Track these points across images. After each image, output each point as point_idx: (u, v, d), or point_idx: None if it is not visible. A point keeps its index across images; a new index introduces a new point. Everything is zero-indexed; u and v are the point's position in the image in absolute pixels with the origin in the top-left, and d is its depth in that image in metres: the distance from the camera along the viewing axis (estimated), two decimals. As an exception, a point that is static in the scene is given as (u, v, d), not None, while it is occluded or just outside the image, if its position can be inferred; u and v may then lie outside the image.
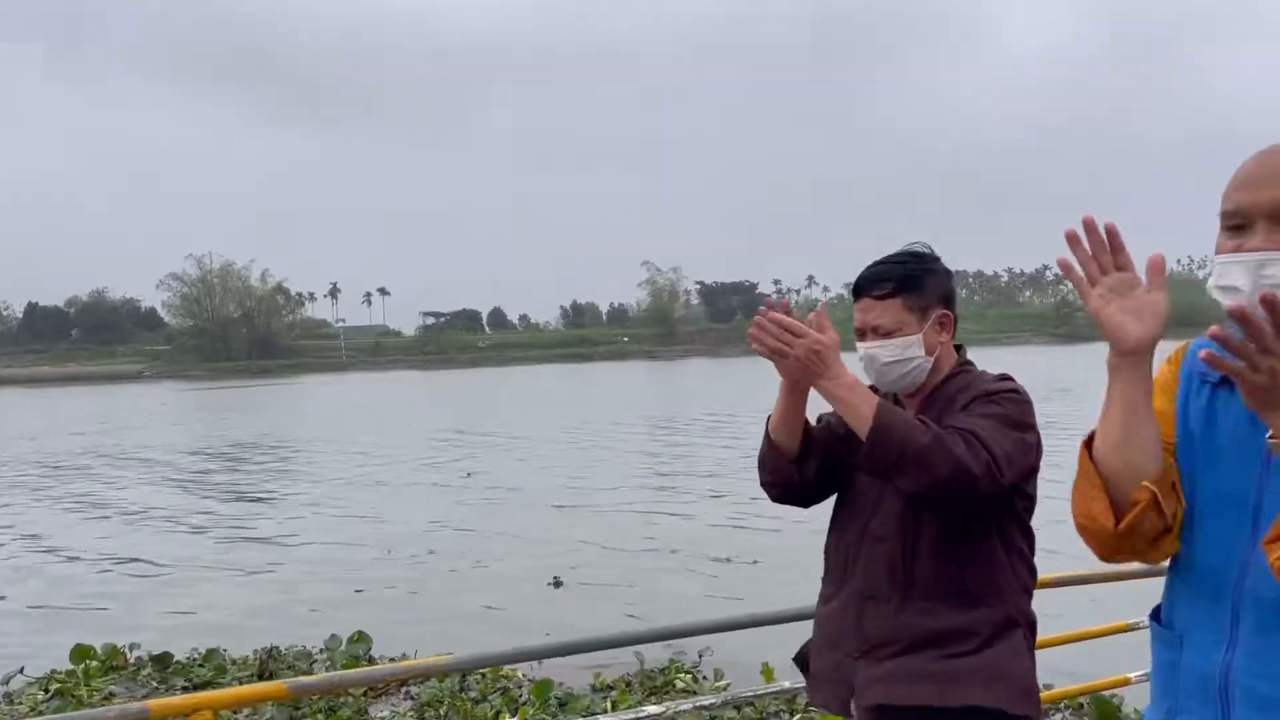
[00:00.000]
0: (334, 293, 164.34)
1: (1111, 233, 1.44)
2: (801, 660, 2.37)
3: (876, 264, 2.22)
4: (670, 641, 6.35)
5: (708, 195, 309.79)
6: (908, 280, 2.17)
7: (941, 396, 2.18)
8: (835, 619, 2.22)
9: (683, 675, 6.40)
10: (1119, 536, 1.45)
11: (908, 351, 2.17)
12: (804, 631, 2.45)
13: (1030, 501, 2.17)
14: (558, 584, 10.24)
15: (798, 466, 2.24)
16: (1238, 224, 1.41)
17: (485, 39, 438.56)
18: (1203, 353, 1.29)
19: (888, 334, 2.17)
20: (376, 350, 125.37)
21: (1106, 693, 4.64)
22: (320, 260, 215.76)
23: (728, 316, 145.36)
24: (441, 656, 3.90)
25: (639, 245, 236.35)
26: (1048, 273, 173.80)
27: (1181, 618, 1.50)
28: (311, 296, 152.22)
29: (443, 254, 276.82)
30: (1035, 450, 2.08)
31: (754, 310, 2.10)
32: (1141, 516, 1.43)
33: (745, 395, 34.84)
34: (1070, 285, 1.48)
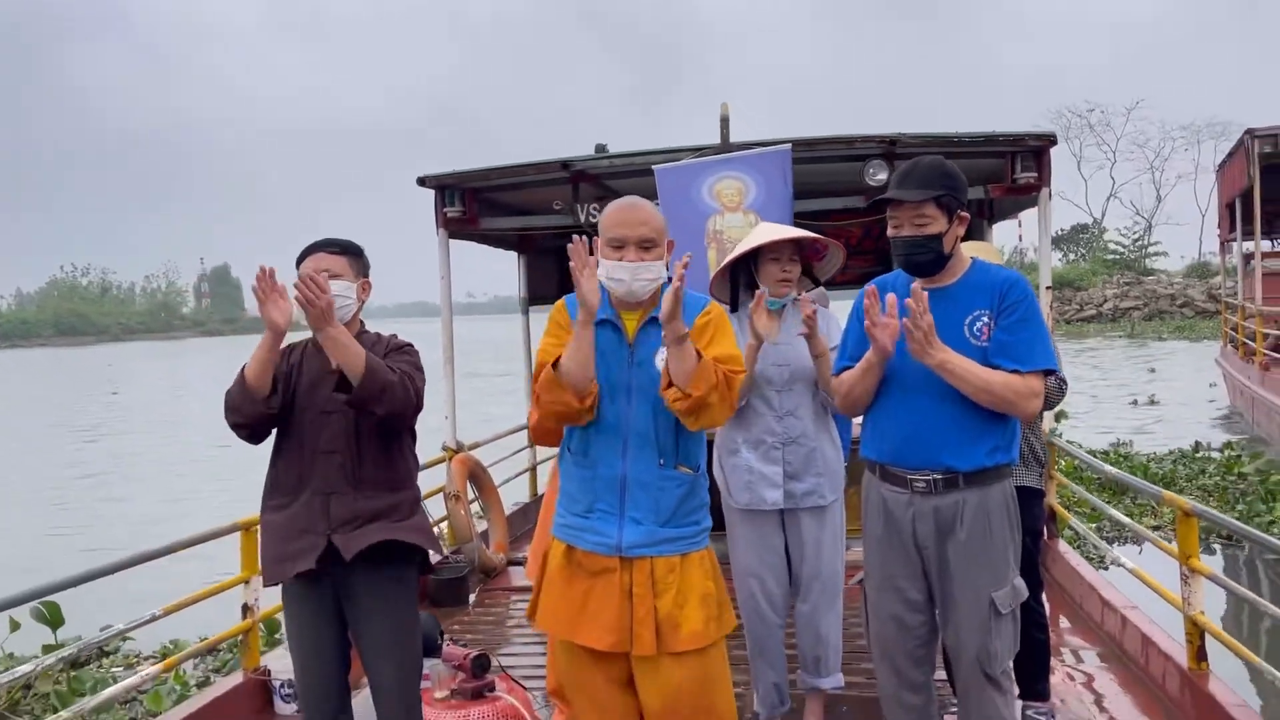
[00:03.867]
0: None
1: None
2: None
3: (329, 238, 3.11)
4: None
5: None
6: (353, 248, 3.11)
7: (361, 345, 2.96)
8: (302, 513, 2.95)
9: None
10: (582, 411, 2.64)
11: (349, 293, 3.02)
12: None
13: (416, 417, 3.10)
14: None
15: (267, 404, 2.92)
16: (618, 245, 2.64)
17: None
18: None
19: (335, 277, 2.98)
20: None
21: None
22: None
23: None
24: None
25: None
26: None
27: (593, 450, 2.73)
28: None
29: None
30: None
31: None
32: (596, 399, 2.65)
33: None
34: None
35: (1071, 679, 4.37)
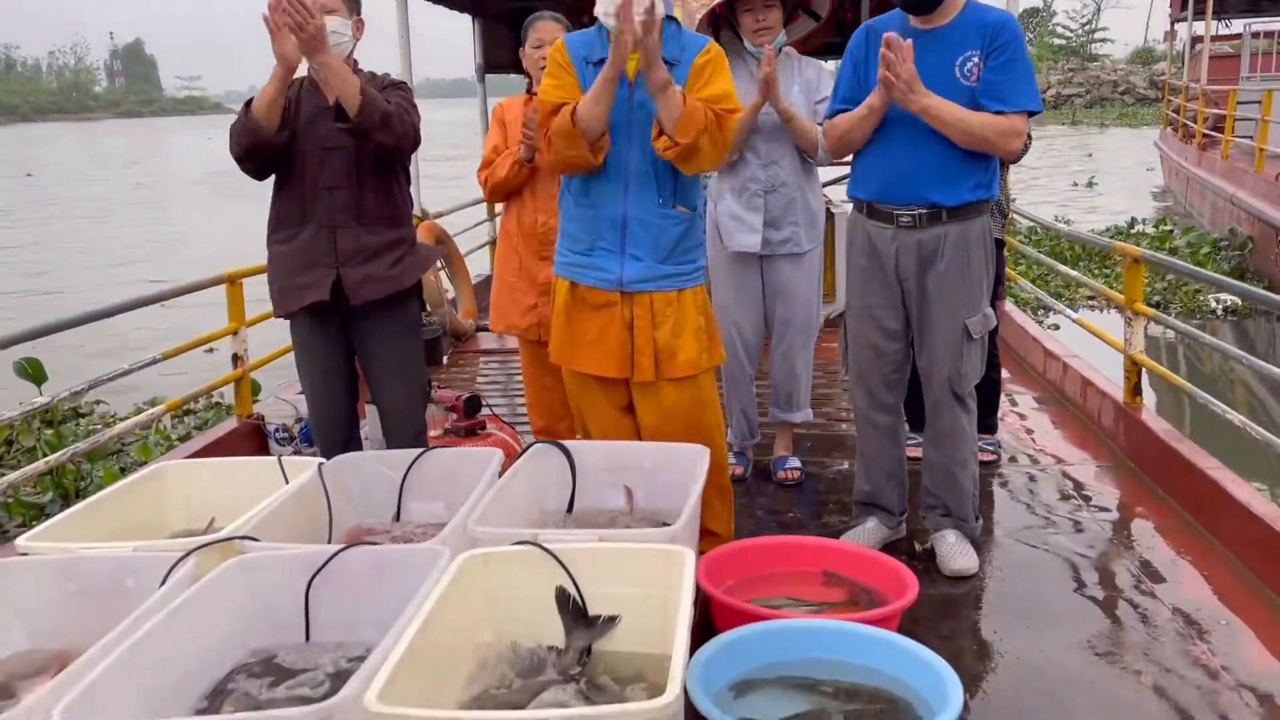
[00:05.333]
0: None
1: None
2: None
3: None
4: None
5: None
6: None
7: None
8: (308, 246, 3.05)
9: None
10: (593, 162, 2.73)
11: (344, 29, 3.03)
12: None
13: (413, 151, 3.17)
14: None
15: (277, 137, 2.96)
16: None
17: None
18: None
19: (331, 12, 2.98)
20: None
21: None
22: None
23: None
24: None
25: None
26: None
27: (594, 191, 2.82)
28: None
29: None
30: None
31: None
32: (606, 149, 2.75)
33: None
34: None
35: (1008, 418, 4.75)
